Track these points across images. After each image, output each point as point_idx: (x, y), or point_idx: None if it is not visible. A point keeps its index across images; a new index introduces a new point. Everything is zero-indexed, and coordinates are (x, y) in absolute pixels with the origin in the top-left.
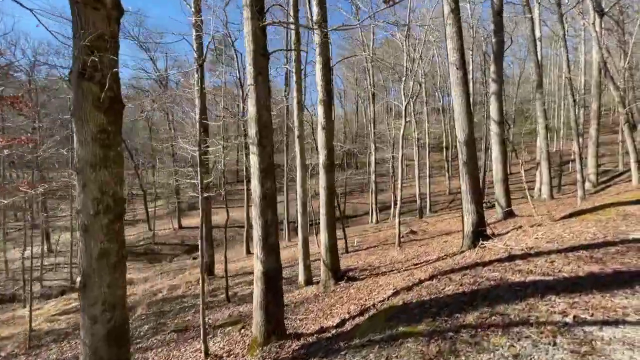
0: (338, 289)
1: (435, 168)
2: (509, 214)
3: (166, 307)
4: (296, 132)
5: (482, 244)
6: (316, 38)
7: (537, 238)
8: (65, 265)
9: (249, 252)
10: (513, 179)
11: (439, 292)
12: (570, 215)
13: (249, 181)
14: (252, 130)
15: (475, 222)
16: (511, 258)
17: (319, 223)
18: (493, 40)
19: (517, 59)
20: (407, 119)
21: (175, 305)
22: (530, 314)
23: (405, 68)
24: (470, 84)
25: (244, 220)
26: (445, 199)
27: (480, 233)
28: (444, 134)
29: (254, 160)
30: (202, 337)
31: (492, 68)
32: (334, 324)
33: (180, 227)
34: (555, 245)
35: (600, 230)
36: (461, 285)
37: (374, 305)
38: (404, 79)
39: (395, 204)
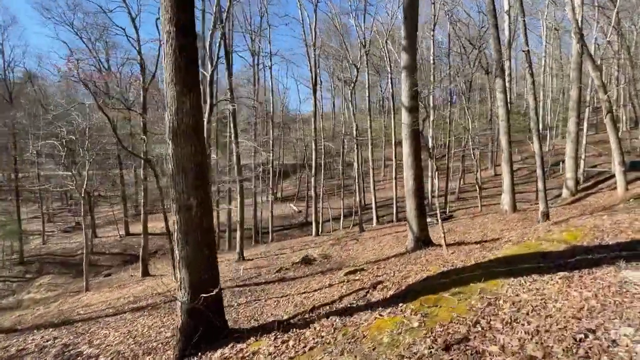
0: None
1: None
2: (422, 244)
3: None
4: None
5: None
6: None
7: None
8: None
9: (147, 273)
10: (493, 181)
11: None
12: (418, 291)
13: None
14: None
15: (186, 309)
16: None
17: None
18: None
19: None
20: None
21: None
22: None
23: None
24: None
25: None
26: None
27: (203, 324)
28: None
29: None
30: None
31: (402, 32)
32: None
33: (128, 233)
34: None
35: None
36: None
37: None
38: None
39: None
